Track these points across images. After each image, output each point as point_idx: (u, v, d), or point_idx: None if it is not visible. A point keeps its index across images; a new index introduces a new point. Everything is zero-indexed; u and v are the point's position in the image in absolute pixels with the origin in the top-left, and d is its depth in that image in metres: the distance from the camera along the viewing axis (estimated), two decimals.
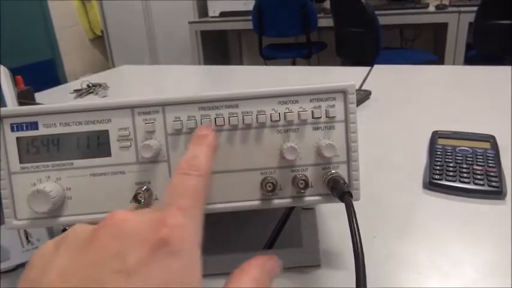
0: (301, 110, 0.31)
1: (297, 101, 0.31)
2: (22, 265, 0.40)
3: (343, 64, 2.64)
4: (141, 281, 0.17)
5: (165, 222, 0.19)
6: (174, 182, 0.22)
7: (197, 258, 0.19)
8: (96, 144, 0.31)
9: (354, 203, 0.29)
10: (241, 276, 0.22)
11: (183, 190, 0.21)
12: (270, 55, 3.04)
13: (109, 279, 0.17)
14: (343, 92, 0.31)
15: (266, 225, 0.43)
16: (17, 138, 0.31)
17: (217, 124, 0.31)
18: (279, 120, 0.31)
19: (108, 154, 0.31)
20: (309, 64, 2.90)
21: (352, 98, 0.31)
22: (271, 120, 0.31)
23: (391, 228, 0.43)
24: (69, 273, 0.18)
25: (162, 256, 0.18)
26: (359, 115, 0.31)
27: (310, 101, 0.31)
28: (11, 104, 0.41)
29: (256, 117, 0.31)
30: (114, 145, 0.31)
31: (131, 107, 0.31)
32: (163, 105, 0.31)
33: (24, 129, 0.31)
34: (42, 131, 0.31)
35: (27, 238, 0.39)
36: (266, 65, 2.44)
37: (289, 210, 0.44)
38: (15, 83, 0.78)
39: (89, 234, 0.19)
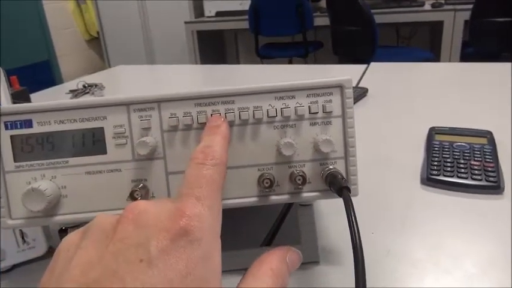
0: (298, 105, 0.31)
1: (293, 97, 0.31)
2: (18, 265, 0.40)
3: (340, 63, 2.64)
4: (163, 269, 0.17)
5: (184, 212, 0.19)
6: (190, 172, 0.22)
7: (217, 246, 0.20)
8: (92, 142, 0.30)
9: (352, 198, 0.29)
10: (260, 265, 0.22)
11: (199, 180, 0.22)
12: (267, 54, 3.04)
13: (132, 269, 0.17)
14: (340, 87, 0.31)
15: (264, 222, 0.42)
16: (11, 137, 0.30)
17: None
18: (276, 115, 0.31)
19: (104, 152, 0.31)
20: (306, 63, 2.90)
21: (349, 92, 0.31)
22: (267, 116, 0.31)
23: (389, 225, 0.43)
24: (93, 266, 0.18)
25: (183, 245, 0.18)
26: (356, 112, 0.31)
27: (307, 96, 0.31)
28: (5, 103, 0.40)
29: (253, 113, 0.30)
30: (109, 142, 0.31)
31: (126, 104, 0.31)
32: (159, 102, 0.31)
33: (18, 127, 0.30)
34: (36, 128, 0.30)
35: (22, 238, 0.39)
36: (263, 64, 2.44)
37: (288, 206, 0.44)
38: (10, 84, 0.77)
39: (111, 226, 0.20)
